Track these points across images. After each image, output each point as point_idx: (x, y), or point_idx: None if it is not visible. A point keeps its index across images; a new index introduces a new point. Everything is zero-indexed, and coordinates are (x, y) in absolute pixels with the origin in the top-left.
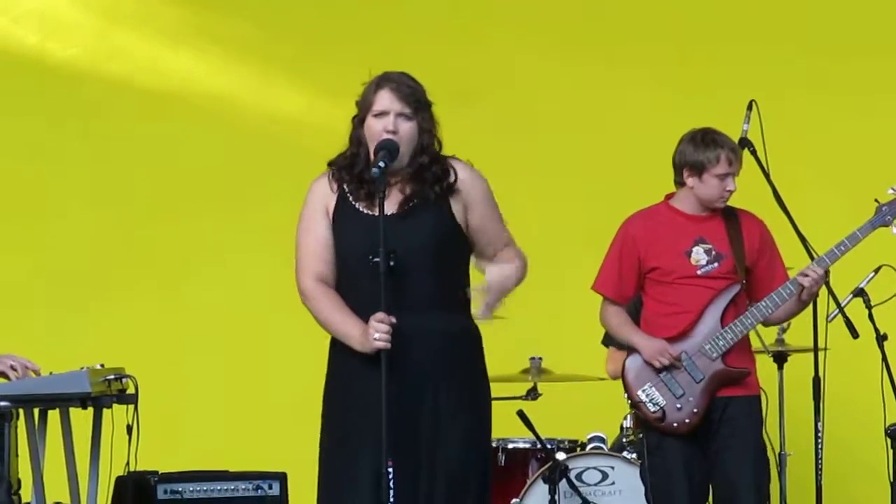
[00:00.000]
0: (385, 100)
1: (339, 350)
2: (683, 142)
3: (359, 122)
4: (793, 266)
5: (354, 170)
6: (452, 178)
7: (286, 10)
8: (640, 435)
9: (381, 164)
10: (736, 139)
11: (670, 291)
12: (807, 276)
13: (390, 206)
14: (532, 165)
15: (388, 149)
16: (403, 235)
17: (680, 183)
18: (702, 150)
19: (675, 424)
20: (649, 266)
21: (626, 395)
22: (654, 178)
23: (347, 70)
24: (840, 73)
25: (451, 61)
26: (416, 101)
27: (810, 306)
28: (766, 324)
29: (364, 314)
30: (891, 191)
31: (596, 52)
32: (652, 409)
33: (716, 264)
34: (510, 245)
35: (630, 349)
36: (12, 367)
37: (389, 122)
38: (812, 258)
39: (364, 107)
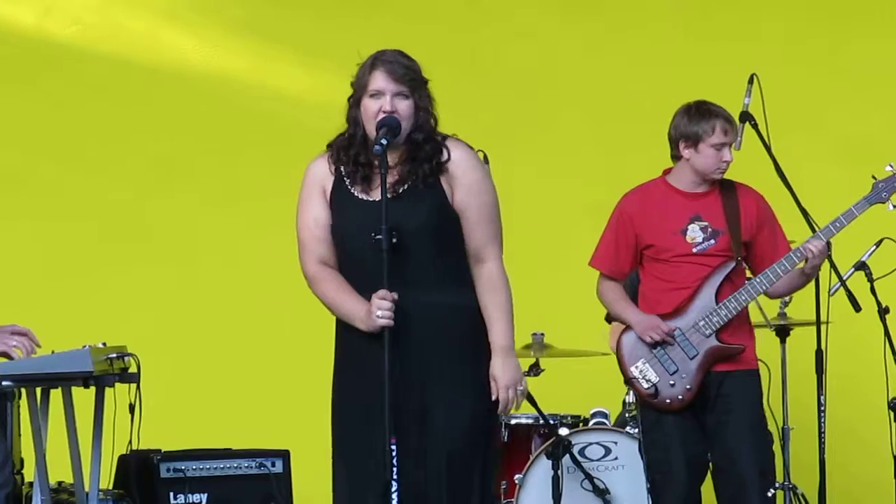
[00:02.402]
0: (380, 80)
1: (344, 330)
2: (678, 115)
3: (354, 102)
4: (794, 240)
5: (351, 151)
6: (444, 157)
7: None
8: (638, 411)
9: (384, 141)
10: (737, 113)
11: (667, 269)
12: (808, 249)
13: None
14: (534, 140)
15: (390, 125)
16: (400, 218)
17: (676, 157)
18: (696, 120)
19: (668, 401)
20: (645, 244)
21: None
22: (657, 152)
23: (349, 46)
24: (842, 46)
25: (455, 34)
26: (411, 79)
27: (812, 280)
28: (770, 296)
29: (367, 294)
30: (888, 167)
31: (601, 25)
32: (645, 385)
33: (712, 241)
34: (489, 253)
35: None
36: (14, 346)
37: (386, 102)
38: (813, 231)
39: (359, 87)
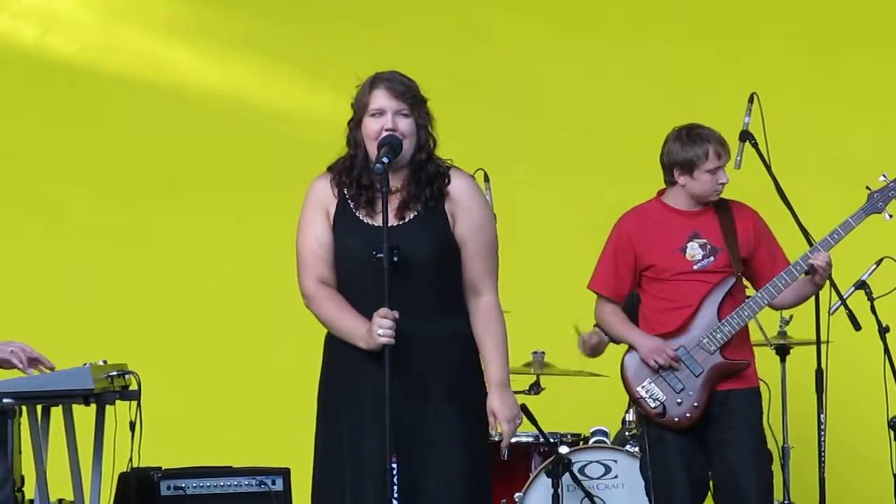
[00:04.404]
0: (381, 98)
1: (335, 346)
2: (669, 141)
3: (355, 123)
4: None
5: (353, 173)
6: (447, 182)
7: (285, 4)
8: (640, 429)
9: (385, 159)
10: (738, 130)
11: (667, 287)
12: (816, 259)
13: (388, 215)
14: (533, 158)
15: (391, 144)
16: (404, 245)
17: (671, 182)
18: (689, 147)
19: (676, 419)
20: (645, 264)
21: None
22: (658, 171)
23: (348, 63)
24: (840, 66)
25: (452, 53)
26: (411, 97)
27: (812, 299)
28: (776, 308)
29: (366, 315)
30: (882, 178)
31: (599, 44)
32: (652, 404)
33: (712, 258)
34: (486, 286)
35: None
36: (13, 352)
37: (388, 120)
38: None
39: (359, 108)
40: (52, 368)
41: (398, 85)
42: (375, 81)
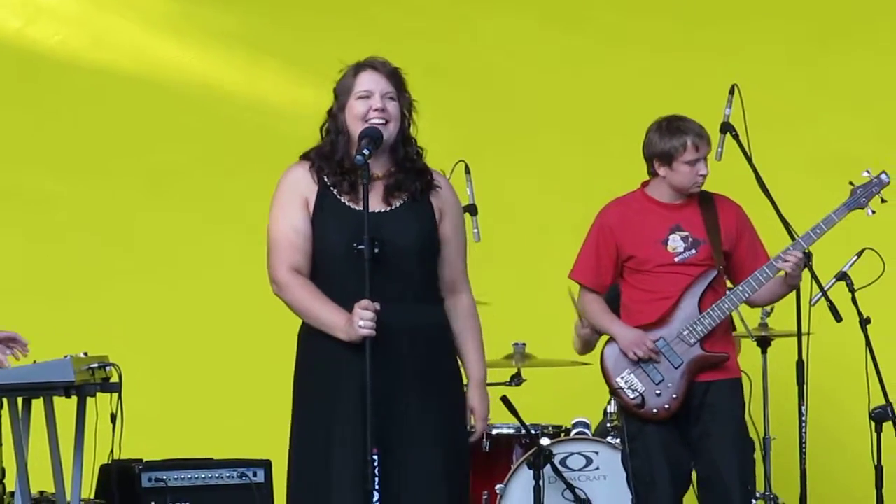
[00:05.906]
0: (368, 81)
1: (311, 339)
2: (650, 132)
3: (338, 108)
4: (776, 251)
5: (335, 158)
6: (430, 178)
7: None
8: (621, 421)
9: (366, 151)
10: (719, 123)
11: (648, 279)
12: (786, 260)
13: (375, 201)
14: (515, 151)
15: (372, 136)
16: (389, 234)
17: (653, 174)
18: (667, 138)
19: (654, 410)
20: (626, 255)
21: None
22: (640, 165)
23: (334, 57)
24: (821, 56)
25: (438, 45)
26: (398, 81)
27: (795, 290)
28: (751, 305)
29: (345, 304)
30: (865, 173)
31: (582, 38)
32: (631, 395)
33: (693, 251)
34: (464, 286)
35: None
36: None
37: (376, 100)
38: (794, 240)
39: (344, 92)
40: (25, 344)
41: (386, 68)
42: (362, 65)
